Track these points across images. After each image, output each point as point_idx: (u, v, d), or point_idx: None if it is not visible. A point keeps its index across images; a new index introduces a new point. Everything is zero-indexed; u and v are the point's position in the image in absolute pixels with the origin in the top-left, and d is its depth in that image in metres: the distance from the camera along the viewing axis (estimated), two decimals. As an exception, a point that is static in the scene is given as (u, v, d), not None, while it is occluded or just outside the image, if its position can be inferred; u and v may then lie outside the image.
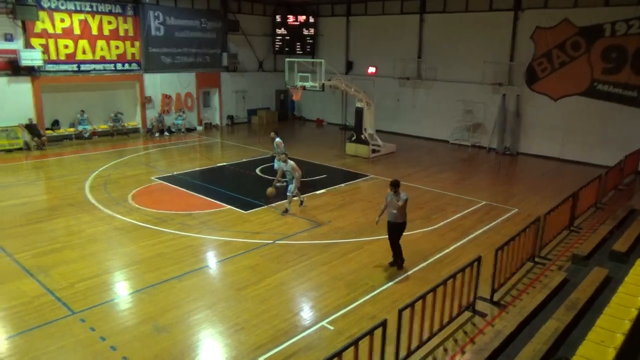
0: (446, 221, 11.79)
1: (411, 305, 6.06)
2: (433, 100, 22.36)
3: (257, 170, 16.14)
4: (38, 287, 8.12)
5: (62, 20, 19.23)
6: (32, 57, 18.19)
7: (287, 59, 18.53)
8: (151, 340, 6.73)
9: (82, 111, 20.70)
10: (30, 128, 18.78)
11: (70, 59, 19.72)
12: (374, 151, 18.74)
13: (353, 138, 19.09)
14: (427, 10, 22.07)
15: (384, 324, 5.53)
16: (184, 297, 7.95)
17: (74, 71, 19.90)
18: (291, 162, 11.93)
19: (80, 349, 6.51)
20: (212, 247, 10.07)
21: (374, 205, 12.40)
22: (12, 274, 8.56)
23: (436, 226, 11.46)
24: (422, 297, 6.25)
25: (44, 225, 11.01)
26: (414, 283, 8.55)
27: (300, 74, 17.81)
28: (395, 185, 8.76)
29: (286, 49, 26.28)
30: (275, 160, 14.26)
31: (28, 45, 18.42)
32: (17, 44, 18.21)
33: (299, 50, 26.20)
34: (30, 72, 18.59)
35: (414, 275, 8.88)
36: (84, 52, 20.03)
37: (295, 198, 12.25)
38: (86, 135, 20.72)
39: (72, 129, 20.66)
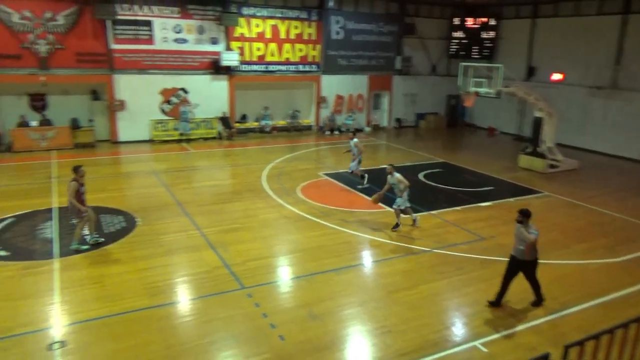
0: (635, 255, 10.20)
1: (581, 343, 5.42)
2: (630, 113, 19.44)
3: (421, 176, 15.99)
4: (217, 260, 9.29)
5: (257, 26, 21.54)
6: (230, 58, 20.77)
7: (462, 63, 17.93)
8: (305, 324, 7.20)
9: (266, 107, 22.95)
10: (224, 120, 21.52)
11: (261, 60, 22.01)
12: (551, 166, 17.06)
13: (528, 150, 17.64)
14: (632, 11, 19.22)
15: (546, 358, 5.05)
16: (339, 290, 8.31)
17: (262, 71, 22.16)
18: (397, 175, 10.91)
19: (245, 321, 7.28)
20: (369, 247, 10.32)
21: (547, 226, 11.27)
22: (199, 246, 9.95)
23: (621, 259, 9.99)
24: (596, 336, 5.53)
25: (227, 206, 12.54)
26: (585, 319, 7.61)
27: (474, 79, 17.10)
28: (525, 215, 7.44)
29: (462, 52, 25.41)
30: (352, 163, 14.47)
31: (228, 48, 21.08)
32: (220, 47, 20.96)
33: (476, 54, 25.10)
34: (228, 71, 21.25)
35: (586, 311, 7.90)
36: (272, 55, 22.16)
37: (406, 216, 11.31)
38: (267, 129, 22.90)
39: (256, 123, 23.05)
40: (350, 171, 14.64)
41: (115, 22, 18.87)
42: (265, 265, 9.20)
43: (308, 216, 11.79)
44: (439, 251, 10.05)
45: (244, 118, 22.91)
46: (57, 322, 7.10)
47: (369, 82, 24.82)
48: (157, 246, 9.87)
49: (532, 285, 7.87)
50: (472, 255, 9.85)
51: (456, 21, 25.55)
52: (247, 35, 21.43)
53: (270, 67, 22.29)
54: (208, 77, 21.10)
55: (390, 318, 7.47)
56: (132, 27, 19.25)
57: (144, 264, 9.03)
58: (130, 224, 10.99)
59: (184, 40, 20.29)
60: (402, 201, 10.91)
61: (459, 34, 25.61)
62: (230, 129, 21.51)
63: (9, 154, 17.63)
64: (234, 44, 21.22)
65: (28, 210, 11.66)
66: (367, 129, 25.08)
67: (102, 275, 8.55)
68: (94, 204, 12.07)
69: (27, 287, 8.12)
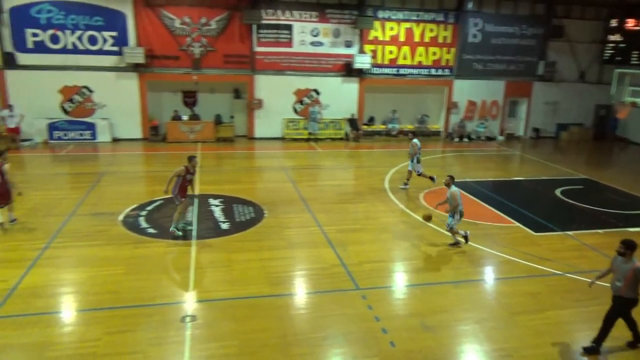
0: None
1: None
2: None
3: (558, 192, 14.67)
4: (335, 258, 9.53)
5: (392, 29, 21.56)
6: (363, 61, 21.10)
7: (617, 70, 16.08)
8: (418, 334, 7.07)
9: (394, 111, 22.89)
10: (351, 122, 21.95)
11: (392, 63, 22.00)
12: None
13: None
14: None
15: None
16: (456, 304, 8.01)
17: (393, 74, 22.14)
18: (453, 189, 9.97)
19: (357, 321, 7.37)
20: (492, 262, 9.76)
21: None
22: (319, 242, 10.30)
23: None
24: None
25: (349, 206, 12.79)
26: None
27: (632, 87, 15.21)
28: (629, 247, 6.42)
29: (618, 58, 22.67)
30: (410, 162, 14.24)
31: (361, 50, 21.42)
32: (353, 50, 21.39)
33: (636, 60, 22.23)
34: (359, 74, 21.61)
35: None
36: (404, 58, 22.02)
37: (459, 237, 10.24)
38: (394, 133, 22.82)
39: (383, 126, 23.11)
40: (418, 173, 14.31)
41: (260, 27, 20.31)
42: (381, 269, 9.21)
43: (428, 224, 11.53)
44: (572, 276, 9.14)
45: (371, 120, 23.11)
46: (190, 297, 7.89)
47: (505, 88, 23.41)
48: (281, 239, 10.44)
49: (628, 324, 6.82)
50: (613, 286, 8.78)
51: (614, 23, 22.87)
52: (380, 38, 21.57)
53: (402, 71, 22.17)
54: (339, 79, 21.68)
55: (510, 341, 7.00)
56: (274, 31, 20.54)
57: (268, 254, 9.61)
58: (258, 215, 11.77)
59: (320, 43, 21.09)
60: (452, 221, 10.03)
61: (615, 37, 22.90)
62: (357, 130, 21.86)
63: (164, 143, 19.97)
64: (367, 47, 21.50)
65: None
66: (500, 137, 23.68)
67: (230, 260, 9.30)
68: (230, 193, 13.19)
69: (169, 263, 9.16)
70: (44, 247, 9.53)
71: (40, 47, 18.79)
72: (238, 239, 10.37)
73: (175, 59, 20.05)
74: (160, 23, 19.52)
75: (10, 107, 17.99)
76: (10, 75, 18.72)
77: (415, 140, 14.13)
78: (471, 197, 13.85)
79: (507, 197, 14.05)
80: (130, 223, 10.93)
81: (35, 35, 18.66)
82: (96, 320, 7.15)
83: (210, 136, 20.55)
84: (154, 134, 20.63)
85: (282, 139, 21.56)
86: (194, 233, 10.52)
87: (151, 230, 10.60)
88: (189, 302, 7.75)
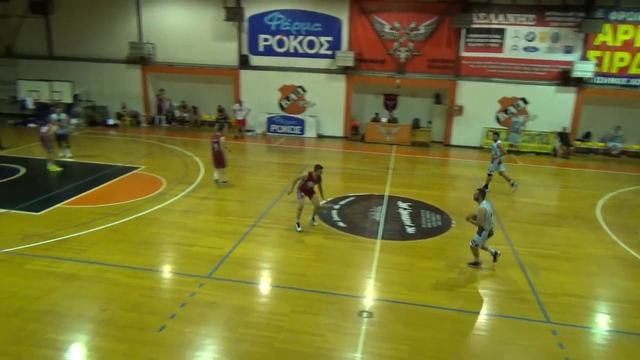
0: None
1: None
2: None
3: None
4: (525, 282, 8.76)
5: (625, 33, 18.66)
6: (584, 69, 18.76)
7: None
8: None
9: (618, 127, 19.79)
10: (562, 136, 19.73)
11: (622, 72, 19.08)
12: None
13: None
14: None
15: None
16: (675, 366, 6.63)
17: (621, 85, 19.18)
18: (482, 204, 9.01)
19: (543, 358, 6.67)
20: None
21: None
22: (508, 262, 9.58)
23: None
24: None
25: (547, 229, 11.59)
26: None
27: None
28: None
29: None
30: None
31: (584, 57, 19.05)
32: (574, 56, 19.15)
33: None
34: (578, 83, 19.27)
35: None
36: (638, 66, 18.85)
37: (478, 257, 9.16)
38: (615, 152, 19.79)
39: (601, 144, 20.21)
40: (489, 172, 14.27)
41: (469, 31, 19.70)
42: (580, 305, 8.14)
43: (649, 264, 9.74)
44: None
45: (587, 136, 20.41)
46: (369, 294, 8.18)
47: None
48: (466, 251, 10.02)
49: None
50: None
51: None
52: (610, 43, 18.86)
53: (633, 81, 19.03)
54: (553, 88, 19.69)
55: None
56: (484, 36, 19.70)
57: (451, 265, 9.35)
58: (445, 224, 11.52)
59: (534, 49, 19.47)
60: (479, 239, 9.10)
61: None
62: (569, 146, 19.55)
63: (362, 143, 20.97)
64: (592, 53, 19.03)
65: (366, 193, 13.68)
66: None
67: (411, 264, 9.32)
68: (419, 198, 13.21)
69: (354, 257, 9.62)
70: (252, 225, 10.96)
71: (268, 51, 21.54)
72: (422, 245, 10.33)
73: (381, 63, 20.82)
74: (371, 28, 20.48)
75: (240, 101, 21.04)
76: (244, 74, 21.92)
77: (500, 142, 14.07)
78: None
79: None
80: (324, 214, 11.80)
81: (265, 40, 21.46)
82: (286, 297, 7.96)
83: (406, 140, 20.80)
84: (353, 134, 21.81)
85: (480, 148, 20.60)
86: (380, 233, 10.83)
87: (341, 224, 11.27)
88: (368, 298, 8.04)
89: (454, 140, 21.01)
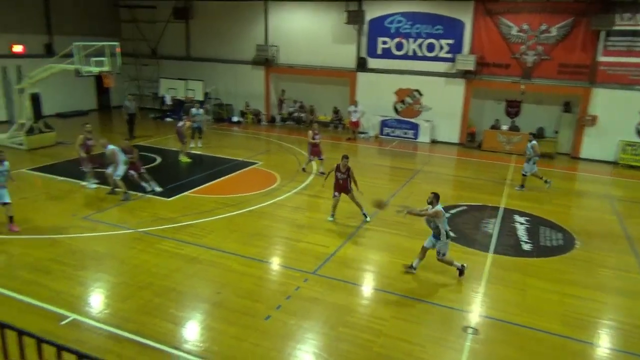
0: None
1: None
2: None
3: None
4: (661, 319, 7.75)
5: None
6: None
7: None
8: None
9: None
10: None
11: None
12: None
13: None
14: None
15: None
16: None
17: None
18: (438, 207, 8.47)
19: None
20: None
21: None
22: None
23: None
24: None
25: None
26: None
27: None
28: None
29: None
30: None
31: None
32: None
33: None
34: None
35: None
36: None
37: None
38: None
39: None
40: (523, 173, 14.34)
41: (610, 33, 17.84)
42: None
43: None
44: None
45: None
46: (476, 309, 7.82)
47: None
48: (590, 276, 9.15)
49: None
50: None
51: None
52: None
53: None
54: None
55: None
56: (628, 38, 17.71)
57: (571, 290, 8.57)
58: (568, 244, 10.59)
59: (692, 54, 17.05)
60: (441, 244, 8.53)
61: None
62: None
63: (478, 150, 20.06)
64: None
65: (479, 203, 13.08)
66: None
67: (524, 283, 8.72)
68: (538, 213, 12.31)
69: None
70: (359, 227, 11.06)
71: (386, 53, 21.53)
72: (538, 263, 9.61)
73: (505, 67, 19.71)
74: (496, 30, 19.48)
75: (355, 103, 21.31)
76: (360, 76, 22.16)
77: (535, 142, 14.16)
78: None
79: None
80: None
81: (384, 43, 21.47)
82: (387, 301, 7.92)
83: (528, 149, 19.44)
84: (469, 140, 20.93)
85: (614, 163, 18.55)
86: (492, 246, 10.28)
87: (451, 234, 10.88)
88: (474, 313, 7.70)
89: (584, 153, 19.16)
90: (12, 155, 16.18)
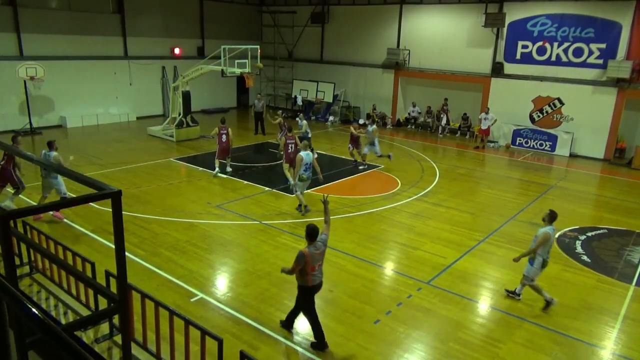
0: None
1: None
2: None
3: None
4: None
5: None
6: None
7: None
8: None
9: None
10: None
11: None
12: None
13: None
14: None
15: None
16: None
17: None
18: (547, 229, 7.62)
19: None
20: None
21: None
22: None
23: None
24: None
25: None
26: None
27: None
28: None
29: None
30: None
31: None
32: None
33: None
34: None
35: None
36: None
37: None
38: None
39: None
40: None
41: None
42: None
43: None
44: None
45: None
46: (609, 346, 6.98)
47: None
48: None
49: None
50: None
51: None
52: None
53: None
54: None
55: None
56: None
57: None
58: None
59: None
60: (532, 270, 7.65)
61: None
62: None
63: (627, 168, 17.81)
64: None
65: (623, 228, 11.63)
66: None
67: (675, 326, 7.57)
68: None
69: (596, 299, 8.33)
70: (481, 240, 10.52)
71: (525, 58, 20.11)
72: (695, 305, 8.26)
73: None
74: (661, 34, 17.11)
75: (487, 110, 20.25)
76: (495, 82, 21.00)
77: None
78: None
79: None
80: (565, 243, 10.52)
81: (524, 47, 20.07)
82: (505, 323, 7.43)
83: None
84: (618, 157, 18.68)
85: None
86: (636, 277, 9.09)
87: (585, 258, 9.87)
88: (606, 350, 6.88)
89: None
90: (163, 145, 18.33)
